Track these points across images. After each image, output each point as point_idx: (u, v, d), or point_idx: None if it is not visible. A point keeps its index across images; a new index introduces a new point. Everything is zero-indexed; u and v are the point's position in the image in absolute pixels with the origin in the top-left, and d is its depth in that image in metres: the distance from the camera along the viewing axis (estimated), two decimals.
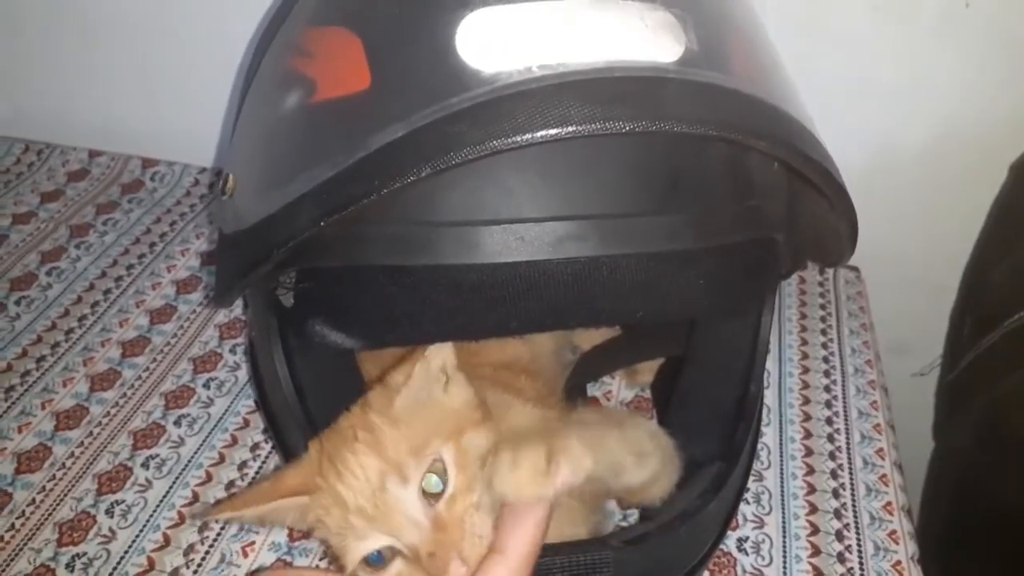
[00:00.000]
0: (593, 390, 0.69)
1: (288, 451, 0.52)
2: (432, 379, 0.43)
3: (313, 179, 0.37)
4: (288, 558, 0.56)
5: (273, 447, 0.63)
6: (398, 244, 0.40)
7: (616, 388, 0.70)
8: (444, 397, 0.44)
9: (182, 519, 0.58)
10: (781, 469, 0.64)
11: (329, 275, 0.43)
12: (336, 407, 0.46)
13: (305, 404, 0.48)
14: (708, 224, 0.42)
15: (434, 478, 0.40)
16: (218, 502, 0.59)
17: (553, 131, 0.32)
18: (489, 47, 0.37)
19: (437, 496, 0.40)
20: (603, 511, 0.55)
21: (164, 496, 0.59)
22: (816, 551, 0.58)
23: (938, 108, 0.79)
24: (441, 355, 0.43)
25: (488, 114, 0.33)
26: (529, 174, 0.39)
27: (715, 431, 0.52)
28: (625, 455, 0.43)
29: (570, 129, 0.32)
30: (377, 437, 0.41)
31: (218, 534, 0.57)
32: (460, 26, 0.37)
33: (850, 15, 0.75)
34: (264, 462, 0.62)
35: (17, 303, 0.75)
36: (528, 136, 0.32)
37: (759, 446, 0.65)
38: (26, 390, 0.67)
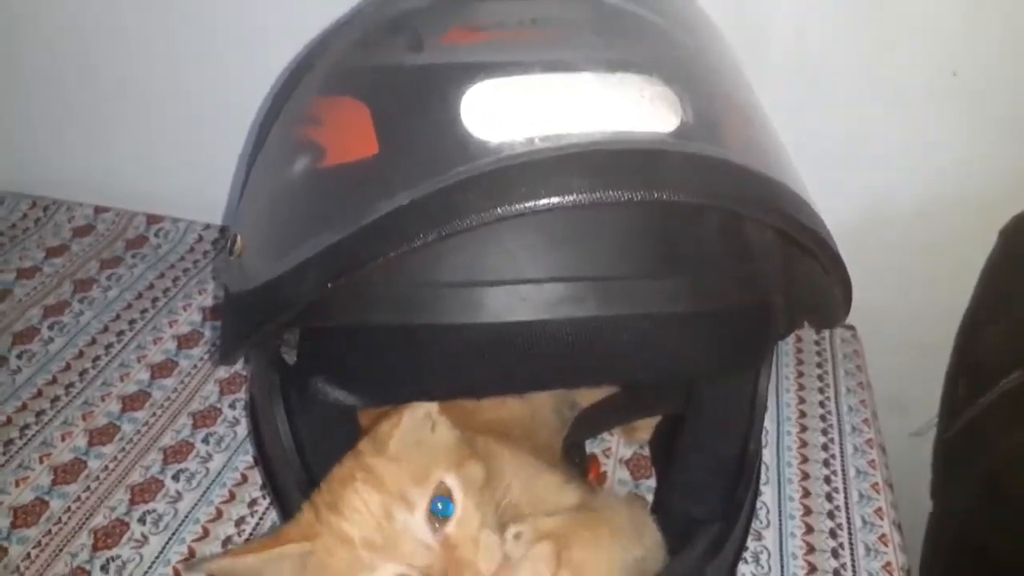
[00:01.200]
0: (592, 447, 0.69)
1: (286, 507, 0.52)
2: (420, 424, 0.45)
3: (320, 242, 0.38)
4: None
5: (270, 503, 0.63)
6: (402, 304, 0.41)
7: (615, 445, 0.70)
8: (433, 438, 0.45)
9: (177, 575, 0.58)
10: (780, 528, 0.64)
11: (333, 333, 0.44)
12: (334, 464, 0.47)
13: (305, 460, 0.49)
14: (705, 288, 0.43)
15: (440, 502, 0.42)
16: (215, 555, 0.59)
17: (555, 200, 0.33)
18: (494, 117, 0.38)
19: (444, 521, 0.42)
20: None
21: (160, 552, 0.59)
22: None
23: (929, 172, 0.81)
24: (425, 404, 0.45)
25: (493, 183, 0.35)
26: (530, 237, 0.40)
27: (715, 490, 0.52)
28: (632, 574, 0.45)
29: (571, 198, 0.33)
30: (376, 475, 0.43)
31: None
32: (465, 97, 0.39)
33: (844, 80, 0.77)
34: (261, 518, 0.62)
35: (19, 357, 0.76)
36: (531, 204, 0.33)
37: (758, 505, 0.65)
38: (25, 444, 0.67)
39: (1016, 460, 0.66)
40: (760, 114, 0.46)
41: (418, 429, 0.45)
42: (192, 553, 0.59)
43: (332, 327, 0.44)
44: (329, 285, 0.36)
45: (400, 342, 0.42)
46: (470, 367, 0.42)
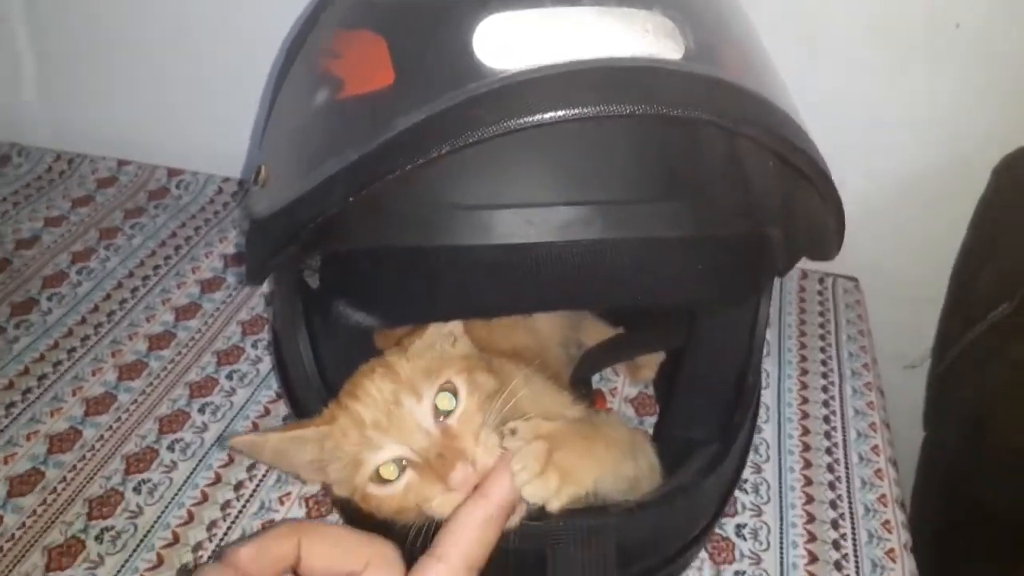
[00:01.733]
0: (598, 386, 0.72)
1: None
2: (442, 337, 0.48)
3: (341, 162, 0.40)
4: None
5: None
6: (417, 226, 0.43)
7: (620, 385, 0.73)
8: (451, 350, 0.48)
9: (205, 497, 0.61)
10: (779, 463, 0.66)
11: (352, 257, 0.47)
12: None
13: (326, 382, 0.51)
14: (706, 214, 0.44)
15: (447, 396, 0.44)
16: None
17: (561, 112, 0.36)
18: (505, 49, 0.40)
19: (448, 414, 0.44)
20: None
21: (188, 476, 0.62)
22: (812, 538, 0.60)
23: (929, 125, 0.82)
24: (450, 323, 0.48)
25: (503, 98, 0.37)
26: (539, 161, 0.42)
27: (713, 416, 0.54)
28: (624, 490, 0.47)
29: (576, 111, 0.36)
30: (393, 369, 0.46)
31: (239, 511, 0.60)
32: (477, 29, 0.41)
33: (843, 33, 0.79)
34: None
35: (49, 299, 0.79)
36: (539, 117, 0.36)
37: (758, 441, 0.67)
38: (58, 378, 0.70)
39: (996, 393, 0.69)
40: (761, 49, 0.48)
41: (440, 340, 0.48)
42: (219, 478, 0.63)
43: (351, 251, 0.46)
44: (351, 199, 0.39)
45: (414, 263, 0.44)
46: (480, 287, 0.44)
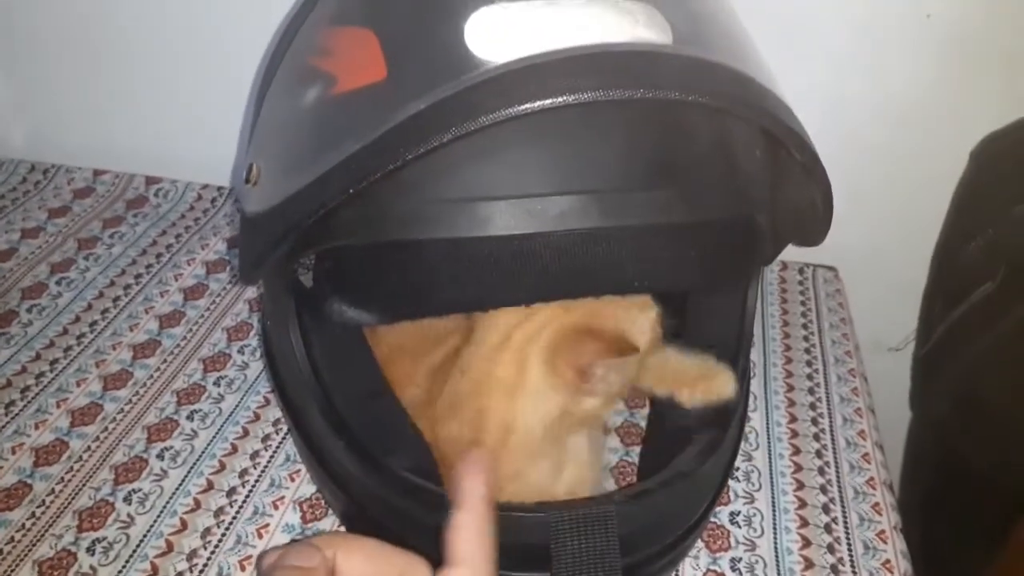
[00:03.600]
0: None
1: (304, 429, 0.55)
2: None
3: (340, 155, 0.40)
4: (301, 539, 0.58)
5: (284, 436, 0.66)
6: (414, 220, 0.43)
7: None
8: None
9: (198, 505, 0.60)
10: (769, 450, 0.67)
11: (348, 254, 0.47)
12: (349, 382, 0.49)
13: (321, 381, 0.51)
14: (698, 200, 0.45)
15: None
16: None
17: (561, 98, 0.36)
18: (497, 42, 0.40)
19: None
20: (604, 470, 0.60)
21: (180, 484, 0.62)
22: (804, 523, 0.61)
23: (903, 114, 0.83)
24: None
25: (503, 84, 0.37)
26: (535, 152, 0.42)
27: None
28: None
29: (577, 96, 0.36)
30: None
31: (233, 517, 0.59)
32: (469, 21, 0.41)
33: (817, 25, 0.80)
34: (275, 452, 0.65)
35: (29, 311, 0.78)
36: (540, 103, 0.36)
37: (747, 430, 0.68)
38: (41, 390, 0.69)
39: (984, 365, 0.70)
40: (749, 40, 0.49)
41: None
42: (211, 485, 0.62)
43: (346, 248, 0.46)
44: (351, 191, 0.39)
45: (412, 258, 0.44)
46: (479, 279, 0.44)
